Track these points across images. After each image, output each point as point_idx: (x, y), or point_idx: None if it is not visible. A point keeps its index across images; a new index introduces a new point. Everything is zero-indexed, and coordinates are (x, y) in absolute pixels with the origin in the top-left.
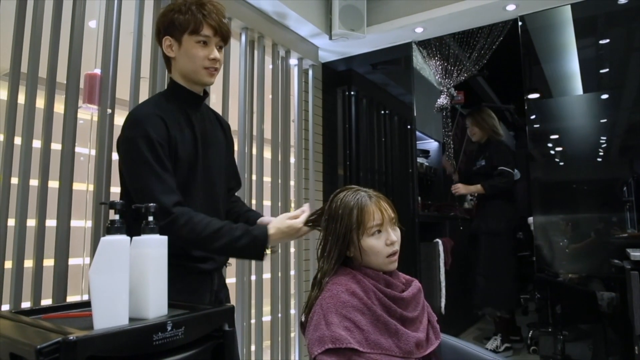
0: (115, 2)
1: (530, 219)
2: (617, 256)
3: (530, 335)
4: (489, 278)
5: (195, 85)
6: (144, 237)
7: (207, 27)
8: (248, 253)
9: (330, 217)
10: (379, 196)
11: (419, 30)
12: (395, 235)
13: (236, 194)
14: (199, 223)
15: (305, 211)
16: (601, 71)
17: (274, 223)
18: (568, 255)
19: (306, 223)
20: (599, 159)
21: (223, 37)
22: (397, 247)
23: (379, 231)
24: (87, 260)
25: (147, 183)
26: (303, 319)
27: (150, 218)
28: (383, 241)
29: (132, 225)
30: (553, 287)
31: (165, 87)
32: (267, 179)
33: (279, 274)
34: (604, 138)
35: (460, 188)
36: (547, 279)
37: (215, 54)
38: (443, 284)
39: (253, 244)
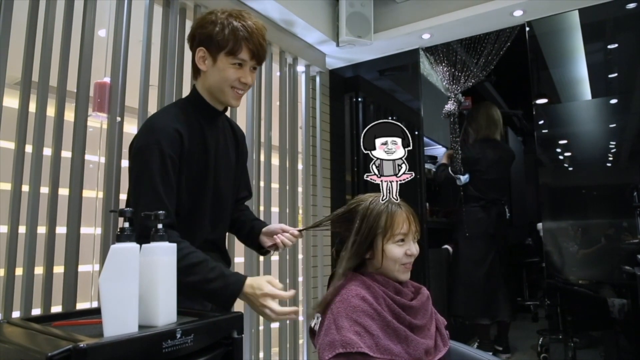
0: (125, 11)
1: (540, 225)
2: (628, 262)
3: (540, 342)
4: (468, 286)
5: (217, 103)
6: (153, 244)
7: (246, 50)
8: (216, 298)
9: (362, 216)
10: (408, 207)
11: (426, 36)
12: (415, 248)
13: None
14: (178, 252)
15: (290, 295)
16: (610, 76)
17: (256, 281)
18: (578, 261)
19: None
20: (609, 164)
21: (259, 60)
22: (412, 259)
23: (403, 240)
24: (97, 267)
25: (143, 197)
26: (313, 324)
27: (160, 226)
28: (404, 250)
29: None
30: (563, 294)
31: (175, 95)
32: (275, 185)
33: (287, 281)
34: (614, 143)
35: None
36: (557, 285)
37: (247, 78)
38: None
39: (223, 291)
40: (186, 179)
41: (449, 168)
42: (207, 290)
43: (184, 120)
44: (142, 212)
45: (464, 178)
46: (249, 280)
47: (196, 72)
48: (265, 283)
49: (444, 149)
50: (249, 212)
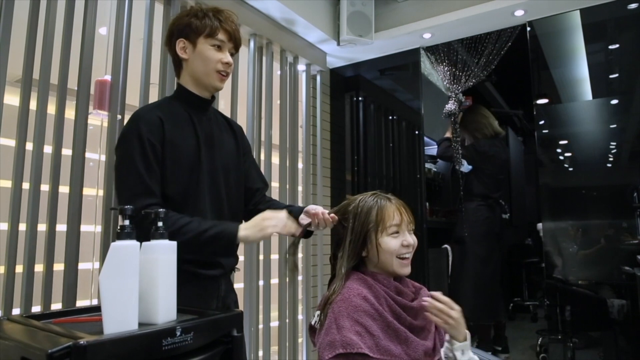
0: (126, 9)
1: (540, 225)
2: (627, 263)
3: (539, 343)
4: (476, 287)
5: (204, 90)
6: (153, 242)
7: (223, 32)
8: (218, 242)
9: (353, 215)
10: (398, 200)
11: (426, 36)
12: (411, 238)
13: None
14: (167, 220)
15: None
16: (611, 76)
17: (251, 223)
18: (578, 261)
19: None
20: (609, 165)
21: (236, 43)
22: (411, 250)
23: (397, 232)
24: (97, 264)
25: (126, 181)
26: (313, 321)
27: (160, 223)
28: (400, 241)
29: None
30: (563, 294)
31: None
32: (275, 184)
33: (287, 279)
34: (614, 143)
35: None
36: (557, 286)
37: (229, 58)
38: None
39: (222, 234)
40: (174, 163)
41: (454, 152)
42: (206, 239)
43: (167, 109)
44: (128, 197)
45: (465, 165)
46: (245, 225)
47: (178, 67)
48: (269, 213)
49: None
50: (276, 201)
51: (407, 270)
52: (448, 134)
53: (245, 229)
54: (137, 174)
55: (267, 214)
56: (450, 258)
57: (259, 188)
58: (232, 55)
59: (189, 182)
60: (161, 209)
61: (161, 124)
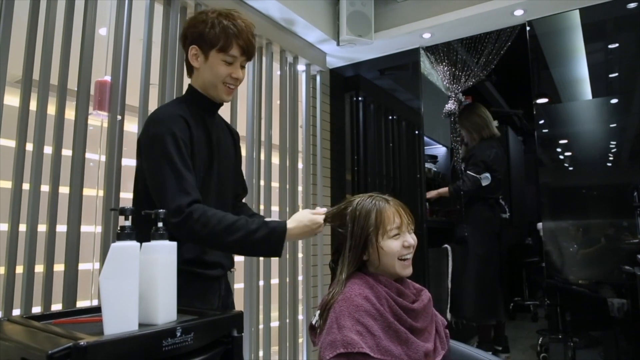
0: (126, 9)
1: (540, 225)
2: (628, 262)
3: (540, 342)
4: (478, 287)
5: (210, 98)
6: (153, 243)
7: (236, 47)
8: (264, 247)
9: (352, 219)
10: (396, 201)
11: (426, 35)
12: (412, 239)
13: (244, 200)
14: (213, 217)
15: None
16: (610, 75)
17: (295, 216)
18: (578, 261)
19: (325, 220)
20: (609, 164)
21: (249, 56)
22: (412, 250)
23: (398, 234)
24: (97, 265)
25: (166, 180)
26: (314, 321)
27: (160, 224)
28: (401, 243)
29: (142, 231)
30: (563, 293)
31: (175, 93)
32: (275, 184)
33: (287, 280)
34: (614, 143)
35: (431, 193)
36: (557, 285)
37: (238, 73)
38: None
39: (270, 236)
40: (194, 165)
41: (472, 170)
42: (254, 241)
43: (186, 110)
44: (172, 196)
45: (488, 178)
46: (291, 219)
47: (190, 70)
48: (312, 216)
49: (444, 148)
50: (247, 208)
51: (409, 271)
52: (441, 192)
53: (295, 229)
54: (177, 171)
55: (310, 215)
56: (451, 258)
57: (239, 194)
58: (243, 66)
59: (202, 184)
60: (161, 210)
61: (187, 124)
